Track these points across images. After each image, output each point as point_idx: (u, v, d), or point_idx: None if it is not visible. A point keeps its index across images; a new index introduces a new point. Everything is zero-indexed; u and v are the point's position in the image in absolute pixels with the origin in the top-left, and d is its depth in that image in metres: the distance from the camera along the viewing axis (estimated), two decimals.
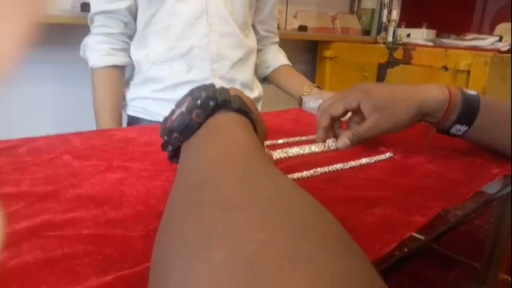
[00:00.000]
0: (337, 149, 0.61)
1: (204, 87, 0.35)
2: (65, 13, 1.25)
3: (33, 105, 1.37)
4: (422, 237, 0.38)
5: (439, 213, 0.41)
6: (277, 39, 1.24)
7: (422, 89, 0.58)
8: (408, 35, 2.09)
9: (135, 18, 0.98)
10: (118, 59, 0.97)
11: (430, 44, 1.84)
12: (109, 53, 0.96)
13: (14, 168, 0.46)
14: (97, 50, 0.96)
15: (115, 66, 0.97)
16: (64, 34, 1.36)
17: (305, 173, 0.50)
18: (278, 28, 1.82)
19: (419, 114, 0.57)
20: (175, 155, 0.37)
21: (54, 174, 0.45)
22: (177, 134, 0.34)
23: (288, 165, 0.53)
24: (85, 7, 1.25)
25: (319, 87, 1.14)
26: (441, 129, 0.60)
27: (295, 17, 2.03)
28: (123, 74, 1.02)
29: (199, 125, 0.33)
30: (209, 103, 0.33)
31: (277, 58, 1.21)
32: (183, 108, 0.34)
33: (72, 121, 1.36)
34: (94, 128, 0.99)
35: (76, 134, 0.61)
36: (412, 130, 0.80)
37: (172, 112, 0.36)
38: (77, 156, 0.51)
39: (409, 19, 2.26)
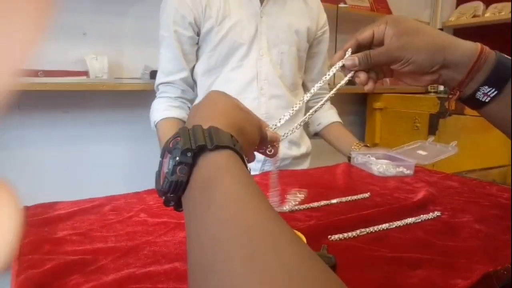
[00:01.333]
0: (343, 69, 0.56)
1: (175, 139, 0.34)
2: (136, 80, 1.42)
3: (107, 161, 1.53)
4: None
5: (483, 276, 0.43)
6: (328, 95, 1.29)
7: (452, 37, 0.52)
8: None
9: (192, 86, 1.13)
10: (176, 112, 1.10)
11: None
12: (167, 109, 1.10)
13: (101, 226, 0.55)
14: (158, 109, 1.10)
15: (174, 118, 1.10)
16: (136, 98, 1.54)
17: (351, 233, 0.54)
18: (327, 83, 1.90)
19: (440, 57, 0.50)
20: (178, 205, 0.36)
21: (133, 231, 0.53)
22: (171, 194, 0.34)
23: (335, 222, 0.57)
24: (154, 74, 1.42)
25: (367, 146, 1.18)
26: (464, 96, 0.52)
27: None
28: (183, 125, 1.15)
29: (188, 177, 0.32)
30: (187, 155, 0.32)
31: (328, 115, 1.27)
32: (165, 169, 0.33)
33: (142, 175, 1.50)
34: (142, 181, 1.09)
35: (149, 192, 0.70)
36: (465, 187, 0.81)
37: (159, 172, 0.35)
38: (151, 214, 0.60)
39: None
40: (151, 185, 0.71)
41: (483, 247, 0.50)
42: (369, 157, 0.97)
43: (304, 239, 0.45)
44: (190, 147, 0.32)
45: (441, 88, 2.08)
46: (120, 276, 0.42)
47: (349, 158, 1.07)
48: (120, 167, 1.54)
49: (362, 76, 0.55)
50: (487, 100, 0.50)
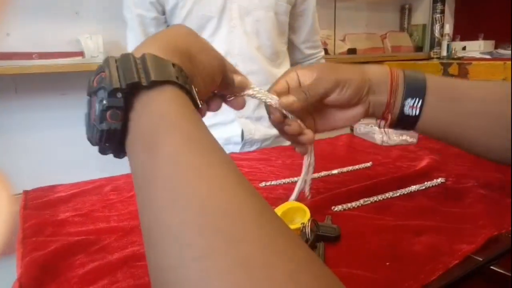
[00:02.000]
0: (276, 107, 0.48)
1: (100, 75, 0.27)
2: None
3: None
4: (469, 264, 0.40)
5: (488, 240, 0.43)
6: (322, 53, 1.24)
7: (363, 65, 0.53)
8: (464, 48, 2.03)
9: None
10: None
11: (487, 56, 1.77)
12: None
13: (103, 206, 0.55)
14: None
15: None
16: None
17: (355, 203, 0.53)
18: (327, 53, 1.87)
19: (366, 78, 0.49)
20: (119, 152, 0.29)
21: (135, 210, 0.53)
22: (106, 144, 0.28)
23: (338, 194, 0.57)
24: None
25: None
26: (395, 117, 0.51)
27: (344, 40, 2.07)
28: None
29: (123, 121, 0.27)
30: (117, 96, 0.26)
31: None
32: (93, 118, 0.27)
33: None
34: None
35: None
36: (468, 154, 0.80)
37: (88, 115, 0.29)
38: None
39: (465, 31, 2.20)
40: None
41: (487, 212, 0.50)
42: (371, 126, 0.96)
43: (308, 211, 0.45)
44: (119, 86, 0.26)
45: (444, 53, 2.04)
46: (124, 254, 0.42)
47: (352, 129, 1.06)
48: None
49: (294, 124, 0.48)
50: (417, 113, 0.49)
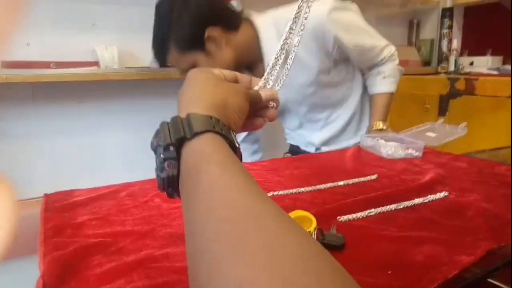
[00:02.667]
0: None
1: (157, 137, 0.35)
2: (146, 69, 1.44)
3: (120, 150, 1.57)
4: (467, 275, 0.41)
5: (487, 253, 0.44)
6: (380, 69, 1.23)
7: None
8: (471, 64, 2.05)
9: None
10: None
11: (495, 72, 1.78)
12: None
13: (119, 211, 0.57)
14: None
15: None
16: (145, 86, 1.56)
17: (360, 214, 0.55)
18: None
19: None
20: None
21: (149, 215, 0.56)
22: (169, 188, 0.35)
23: (343, 205, 0.59)
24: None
25: (381, 127, 1.18)
26: None
27: None
28: None
29: (178, 169, 0.34)
30: (169, 149, 0.34)
31: (376, 83, 1.24)
32: (157, 170, 0.35)
33: (149, 164, 1.53)
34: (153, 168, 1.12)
35: None
36: (473, 167, 0.82)
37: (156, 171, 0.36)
38: (165, 199, 0.62)
39: (472, 46, 2.22)
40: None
41: (488, 225, 0.52)
42: (377, 140, 0.98)
43: (314, 220, 0.47)
44: (170, 142, 0.33)
45: (452, 68, 2.06)
46: (139, 256, 0.44)
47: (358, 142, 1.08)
48: (132, 155, 1.58)
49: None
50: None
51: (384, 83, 1.22)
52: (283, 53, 0.50)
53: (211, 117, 0.35)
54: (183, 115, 0.36)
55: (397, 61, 1.22)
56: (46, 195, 0.62)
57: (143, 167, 1.55)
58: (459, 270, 0.41)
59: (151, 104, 1.59)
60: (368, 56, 1.17)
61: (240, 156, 0.37)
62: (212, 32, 0.98)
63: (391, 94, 1.24)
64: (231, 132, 0.37)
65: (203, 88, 0.41)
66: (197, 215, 0.28)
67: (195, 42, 0.98)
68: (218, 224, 0.26)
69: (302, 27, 0.49)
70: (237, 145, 0.36)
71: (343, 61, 1.16)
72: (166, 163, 0.34)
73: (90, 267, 0.42)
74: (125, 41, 1.45)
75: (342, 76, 1.18)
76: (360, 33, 1.12)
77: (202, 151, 0.33)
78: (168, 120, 0.37)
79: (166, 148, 0.34)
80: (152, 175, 0.73)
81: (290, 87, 1.13)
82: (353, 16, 1.11)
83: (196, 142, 0.33)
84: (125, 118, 1.55)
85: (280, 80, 0.51)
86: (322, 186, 0.69)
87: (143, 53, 1.49)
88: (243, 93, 0.43)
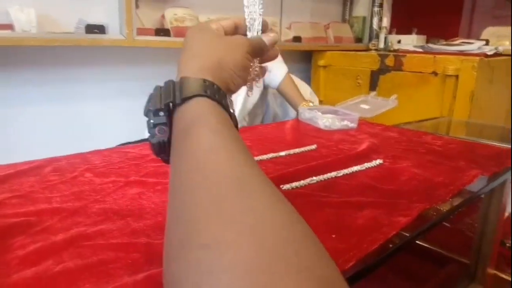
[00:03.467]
0: None
1: (149, 100, 0.34)
2: (69, 34, 1.31)
3: (42, 123, 1.43)
4: (407, 234, 0.43)
5: (421, 213, 0.47)
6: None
7: None
8: (399, 41, 2.16)
9: None
10: None
11: (420, 50, 1.90)
12: None
13: (43, 187, 0.52)
14: None
15: None
16: (69, 54, 1.42)
17: (302, 182, 0.56)
18: None
19: None
20: None
21: (79, 191, 0.51)
22: (162, 154, 0.35)
23: (286, 174, 0.59)
24: (90, 29, 1.32)
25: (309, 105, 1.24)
26: None
27: (289, 28, 2.10)
28: None
29: (169, 135, 0.33)
30: (159, 115, 0.33)
31: (276, 74, 1.30)
32: (146, 134, 0.34)
33: (64, 138, 1.43)
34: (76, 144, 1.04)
35: (94, 152, 0.67)
36: (403, 137, 0.86)
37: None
38: (97, 173, 0.57)
39: (400, 25, 2.33)
40: (87, 147, 0.68)
41: (420, 188, 0.55)
42: (315, 112, 1.00)
43: None
44: (160, 107, 0.33)
45: (382, 45, 2.15)
46: (70, 235, 0.40)
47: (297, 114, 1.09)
48: (54, 129, 1.45)
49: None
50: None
51: (274, 73, 1.31)
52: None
53: (204, 80, 0.34)
54: (178, 78, 0.35)
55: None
56: None
57: (65, 142, 1.44)
58: (397, 230, 0.42)
59: (74, 73, 1.46)
60: None
61: (235, 122, 0.35)
62: None
63: (288, 73, 1.32)
64: (226, 97, 0.35)
65: (198, 48, 0.38)
66: (180, 177, 0.27)
67: None
68: (200, 186, 0.25)
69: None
70: (231, 110, 0.35)
71: None
72: (156, 129, 0.33)
73: (11, 250, 0.37)
74: (44, 2, 1.30)
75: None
76: None
77: (192, 115, 0.31)
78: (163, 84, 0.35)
79: (156, 113, 0.33)
80: (73, 151, 0.67)
81: None
82: None
83: (187, 107, 0.32)
84: (44, 89, 1.41)
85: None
86: (264, 156, 0.68)
87: (65, 17, 1.35)
88: (243, 46, 0.39)
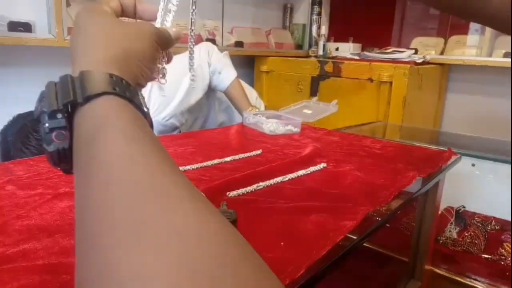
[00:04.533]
0: None
1: (41, 99, 0.28)
2: None
3: None
4: (354, 237, 0.44)
5: (366, 216, 0.47)
6: (211, 70, 1.34)
7: None
8: (337, 49, 2.24)
9: None
10: None
11: (356, 57, 1.99)
12: None
13: None
14: None
15: None
16: None
17: (248, 188, 0.54)
18: (215, 43, 1.87)
19: None
20: None
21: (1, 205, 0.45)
22: (63, 163, 0.29)
23: (232, 180, 0.57)
24: (13, 26, 1.20)
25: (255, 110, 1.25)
26: None
27: (231, 33, 2.09)
28: None
29: (69, 142, 0.28)
30: (57, 117, 0.27)
31: (224, 76, 1.30)
32: (41, 141, 0.28)
33: None
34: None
35: (18, 161, 0.60)
36: (345, 141, 0.89)
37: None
38: (21, 185, 0.51)
39: (338, 33, 2.43)
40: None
41: (363, 191, 0.56)
42: (260, 117, 0.99)
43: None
44: (57, 108, 0.27)
45: (321, 52, 2.22)
46: None
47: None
48: None
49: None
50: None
51: (223, 76, 1.32)
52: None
53: (111, 75, 0.28)
54: (75, 73, 0.28)
55: (215, 51, 1.34)
56: None
57: None
58: (345, 234, 0.42)
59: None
60: None
61: (150, 122, 0.30)
62: None
63: (237, 78, 1.34)
64: (138, 94, 0.30)
65: (98, 35, 0.32)
66: (90, 194, 0.22)
67: None
68: (116, 203, 0.20)
69: None
70: (145, 109, 0.30)
71: None
72: (54, 134, 0.27)
73: None
74: None
75: None
76: None
77: (98, 118, 0.26)
78: (57, 80, 0.29)
79: (51, 116, 0.27)
80: None
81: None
82: None
83: (91, 107, 0.27)
84: None
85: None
86: (209, 162, 0.66)
87: None
88: (151, 34, 0.35)
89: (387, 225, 0.92)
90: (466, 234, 1.04)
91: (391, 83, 1.67)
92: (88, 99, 0.27)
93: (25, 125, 0.91)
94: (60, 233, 0.40)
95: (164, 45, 0.38)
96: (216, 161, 0.67)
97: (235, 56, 2.13)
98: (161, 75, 0.41)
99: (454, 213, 1.10)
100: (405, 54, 1.85)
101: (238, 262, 0.19)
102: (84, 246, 0.20)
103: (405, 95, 1.62)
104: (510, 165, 1.08)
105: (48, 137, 0.27)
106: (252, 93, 1.48)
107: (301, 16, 2.47)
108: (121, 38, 0.32)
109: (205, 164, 0.65)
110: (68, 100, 0.27)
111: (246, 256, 0.19)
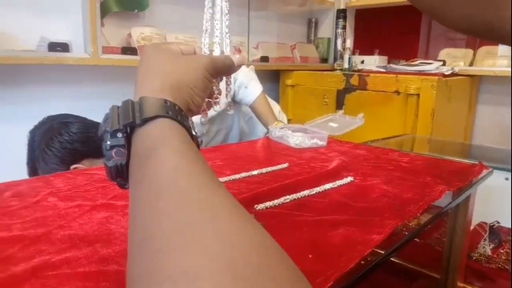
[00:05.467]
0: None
1: (105, 120, 0.33)
2: (31, 52, 1.26)
3: (6, 144, 1.35)
4: (382, 252, 0.44)
5: (394, 230, 0.48)
6: (237, 84, 1.36)
7: None
8: (363, 62, 2.24)
9: None
10: None
11: (382, 70, 1.98)
12: None
13: (2, 213, 0.48)
14: None
15: None
16: (31, 73, 1.37)
17: (276, 201, 0.55)
18: None
19: None
20: None
21: (42, 216, 0.48)
22: (118, 178, 0.32)
23: (260, 193, 0.58)
24: (52, 47, 1.28)
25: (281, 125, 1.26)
26: None
27: (257, 48, 2.13)
28: None
29: (127, 159, 0.31)
30: (117, 136, 0.31)
31: (250, 91, 1.32)
32: (104, 159, 0.32)
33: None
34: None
35: (57, 175, 0.64)
36: (371, 154, 0.88)
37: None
38: (62, 197, 0.54)
39: (363, 46, 2.43)
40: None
41: (391, 205, 0.56)
42: (285, 130, 1.01)
43: None
44: (118, 128, 0.31)
45: (346, 65, 2.22)
46: (32, 264, 0.37)
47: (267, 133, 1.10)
48: (16, 150, 1.37)
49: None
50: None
51: (249, 90, 1.34)
52: None
53: (165, 101, 0.32)
54: (136, 98, 0.33)
55: (244, 66, 1.35)
56: None
57: (18, 167, 1.37)
58: (372, 248, 0.43)
59: (36, 92, 1.40)
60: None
61: (197, 143, 0.34)
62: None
63: (263, 92, 1.35)
64: (188, 119, 0.34)
65: (157, 67, 0.37)
66: (141, 204, 0.25)
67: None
68: (166, 212, 0.23)
69: None
70: (194, 132, 0.33)
71: None
72: (113, 151, 0.31)
73: None
74: (5, 19, 1.25)
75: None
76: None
77: (154, 137, 0.30)
78: (120, 104, 0.33)
79: (113, 135, 0.31)
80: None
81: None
82: None
83: (147, 128, 0.31)
84: (6, 108, 1.35)
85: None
86: (237, 176, 0.67)
87: (26, 35, 1.30)
88: (203, 64, 0.38)
89: (417, 240, 0.91)
90: (501, 251, 1.00)
91: (418, 95, 1.65)
92: (145, 121, 0.31)
93: (52, 126, 0.95)
94: (98, 242, 0.42)
95: (222, 72, 0.42)
96: (243, 174, 0.68)
97: (260, 71, 2.17)
98: (206, 108, 0.44)
99: (487, 229, 1.07)
100: (432, 66, 1.83)
101: (275, 266, 0.20)
102: (138, 248, 0.23)
103: (434, 107, 1.60)
104: None
105: (109, 154, 0.31)
106: (275, 107, 1.50)
107: (326, 30, 2.49)
108: (176, 70, 0.37)
109: (232, 177, 0.67)
110: (128, 121, 0.31)
111: (282, 261, 0.21)
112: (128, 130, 0.32)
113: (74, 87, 1.49)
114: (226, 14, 0.47)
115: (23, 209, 0.50)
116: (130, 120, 0.31)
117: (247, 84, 1.32)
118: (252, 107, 1.35)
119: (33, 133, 0.98)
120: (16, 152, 1.37)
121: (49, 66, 1.33)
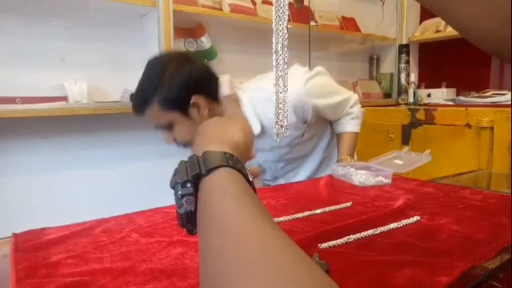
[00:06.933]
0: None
1: (175, 173, 0.38)
2: (116, 103, 1.42)
3: (90, 186, 1.51)
4: None
5: (464, 272, 0.46)
6: (348, 111, 1.34)
7: None
8: (429, 95, 2.18)
9: None
10: None
11: (451, 103, 1.91)
12: None
13: (95, 247, 0.55)
14: None
15: None
16: (116, 121, 1.53)
17: (339, 241, 0.56)
18: None
19: None
20: None
21: (127, 251, 0.54)
22: (188, 224, 0.37)
23: (323, 232, 0.60)
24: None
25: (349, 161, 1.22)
26: None
27: None
28: None
29: (195, 206, 0.35)
30: (187, 186, 0.36)
31: (342, 125, 1.33)
32: (177, 207, 0.36)
33: (127, 197, 1.49)
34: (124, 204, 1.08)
35: (138, 213, 0.71)
36: (440, 192, 0.86)
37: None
38: (143, 233, 0.60)
39: (428, 79, 2.37)
40: (136, 206, 0.72)
41: (461, 246, 0.54)
42: (349, 168, 1.01)
43: None
44: (187, 179, 0.35)
45: (411, 100, 2.17)
46: None
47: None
48: (104, 191, 1.53)
49: None
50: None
51: (352, 123, 1.31)
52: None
53: (225, 153, 0.37)
54: (200, 153, 0.38)
55: (359, 105, 1.33)
56: (15, 235, 0.59)
57: (114, 203, 1.51)
58: None
59: (120, 138, 1.56)
60: (340, 109, 1.28)
61: (254, 189, 0.38)
62: (198, 99, 1.02)
63: (357, 134, 1.34)
64: (245, 167, 0.39)
65: (219, 127, 0.45)
66: (211, 242, 0.29)
67: (180, 105, 1.02)
68: (232, 249, 0.27)
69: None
70: (250, 178, 0.38)
71: (315, 120, 1.24)
72: (184, 199, 0.35)
73: None
74: (94, 75, 1.44)
75: (314, 131, 1.29)
76: (331, 93, 1.25)
77: (217, 184, 0.34)
78: (186, 159, 0.39)
79: (183, 185, 0.35)
80: (124, 210, 0.71)
81: (266, 150, 1.25)
82: (322, 79, 1.23)
83: (211, 177, 0.35)
84: (95, 153, 1.51)
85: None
86: (300, 214, 0.69)
87: (112, 88, 1.48)
88: (249, 128, 0.47)
89: (491, 283, 0.84)
90: None
91: (492, 128, 1.56)
92: (209, 171, 0.35)
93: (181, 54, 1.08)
94: (175, 276, 0.47)
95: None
96: (306, 213, 0.70)
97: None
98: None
99: None
100: (507, 97, 1.72)
101: None
102: (209, 282, 0.26)
103: (510, 140, 1.50)
104: None
105: (180, 202, 0.35)
106: None
107: (388, 65, 2.47)
108: (235, 129, 0.44)
109: (296, 216, 0.69)
110: (195, 172, 0.35)
111: None
112: (195, 180, 0.36)
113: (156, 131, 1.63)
114: (285, 63, 0.52)
115: (111, 244, 0.56)
116: (197, 171, 0.35)
117: (353, 115, 1.30)
118: (339, 135, 1.33)
119: (153, 63, 1.04)
120: (100, 193, 1.53)
121: (131, 115, 1.49)
